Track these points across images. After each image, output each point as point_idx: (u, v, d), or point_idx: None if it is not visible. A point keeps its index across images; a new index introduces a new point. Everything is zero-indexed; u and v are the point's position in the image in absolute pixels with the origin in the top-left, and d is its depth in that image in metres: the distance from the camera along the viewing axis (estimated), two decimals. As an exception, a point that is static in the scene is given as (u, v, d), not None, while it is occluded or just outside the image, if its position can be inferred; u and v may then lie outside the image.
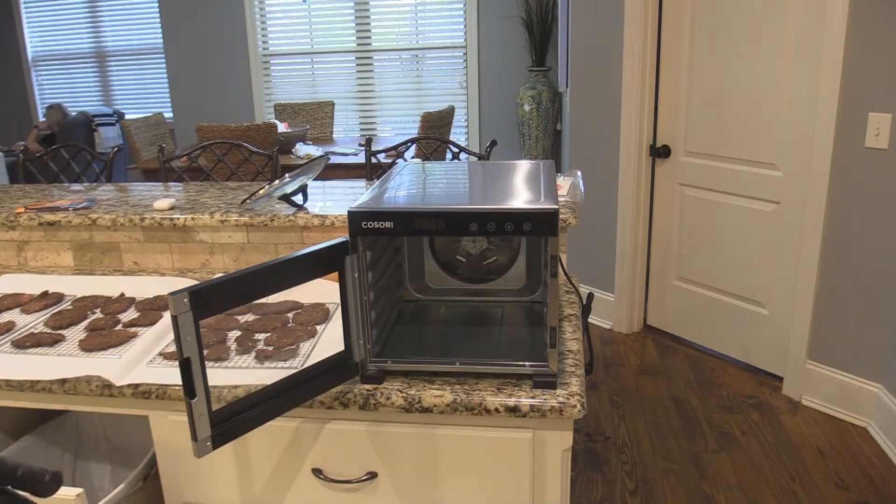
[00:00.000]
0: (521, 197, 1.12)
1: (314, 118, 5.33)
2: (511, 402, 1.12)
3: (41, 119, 6.29)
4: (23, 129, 6.44)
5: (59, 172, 2.86)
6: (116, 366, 1.26)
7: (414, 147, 4.06)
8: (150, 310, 1.52)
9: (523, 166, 1.41)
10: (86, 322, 1.48)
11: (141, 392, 1.21)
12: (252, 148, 2.80)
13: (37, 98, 6.49)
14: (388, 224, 1.08)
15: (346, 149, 4.46)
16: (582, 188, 1.76)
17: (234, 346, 1.33)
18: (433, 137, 2.90)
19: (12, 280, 1.76)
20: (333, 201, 1.90)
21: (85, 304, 1.56)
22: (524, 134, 5.31)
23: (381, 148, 3.22)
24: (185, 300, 0.91)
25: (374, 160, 3.00)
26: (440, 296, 1.45)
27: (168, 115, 6.13)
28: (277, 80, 5.92)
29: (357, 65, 5.79)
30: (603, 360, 3.17)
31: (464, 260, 1.44)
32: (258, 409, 1.03)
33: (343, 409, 1.16)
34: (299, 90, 5.91)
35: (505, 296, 1.44)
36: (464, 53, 5.62)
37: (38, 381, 1.25)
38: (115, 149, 3.00)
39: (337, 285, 1.13)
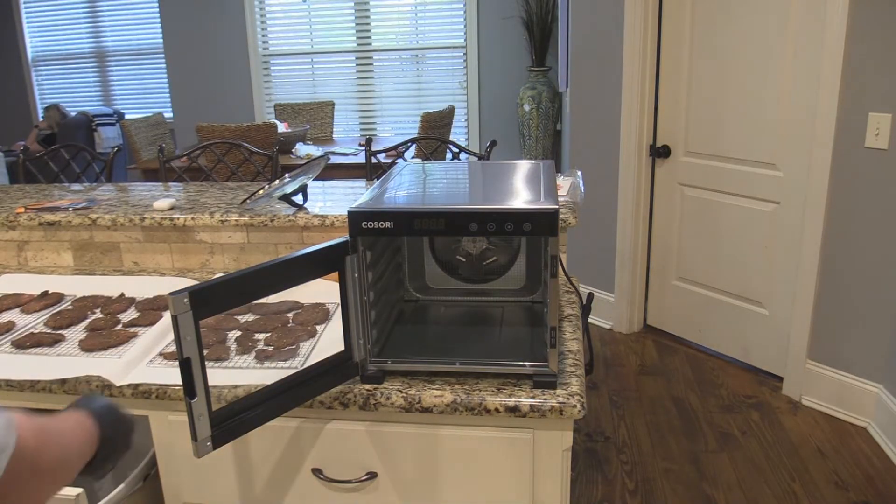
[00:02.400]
0: (521, 197, 1.12)
1: (314, 118, 5.33)
2: (511, 402, 1.12)
3: (41, 119, 6.29)
4: (23, 129, 6.44)
5: (59, 172, 2.86)
6: (116, 366, 1.26)
7: (414, 147, 4.06)
8: (150, 310, 1.52)
9: (523, 166, 1.41)
10: (86, 322, 1.48)
11: (141, 392, 1.21)
12: (252, 148, 2.80)
13: (37, 98, 6.49)
14: (388, 224, 1.08)
15: (346, 149, 4.46)
16: (582, 188, 1.76)
17: (234, 346, 1.33)
18: (433, 137, 2.90)
19: (12, 280, 1.76)
20: (333, 201, 1.90)
21: (85, 304, 1.56)
22: (524, 134, 5.31)
23: (381, 148, 3.22)
24: (185, 300, 0.91)
25: (374, 160, 2.99)
26: (440, 296, 1.45)
27: (168, 115, 6.13)
28: (277, 80, 5.92)
29: (357, 65, 5.79)
30: (603, 360, 3.17)
31: (464, 260, 1.44)
32: (258, 409, 1.03)
33: (343, 409, 1.16)
34: (299, 90, 5.91)
35: (505, 296, 1.44)
36: (464, 53, 5.62)
37: (38, 381, 1.25)
38: (115, 149, 3.00)
39: (337, 285, 1.13)
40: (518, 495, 1.18)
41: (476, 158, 2.91)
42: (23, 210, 1.90)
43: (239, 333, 1.39)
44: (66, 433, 0.76)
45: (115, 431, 0.84)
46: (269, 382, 1.07)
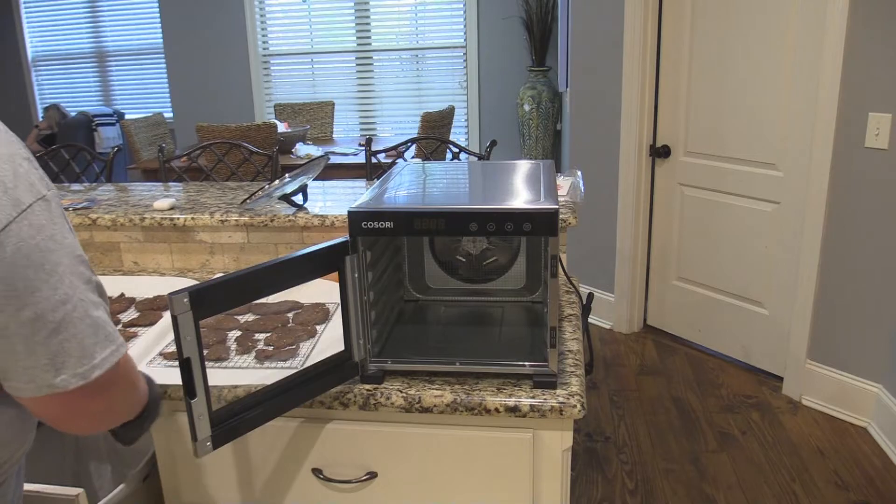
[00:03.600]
0: (521, 197, 1.12)
1: (314, 118, 5.33)
2: (511, 402, 1.12)
3: (41, 119, 6.29)
4: (23, 129, 6.43)
5: (59, 172, 2.86)
6: (116, 366, 1.26)
7: (414, 147, 4.06)
8: (150, 310, 1.52)
9: (523, 166, 1.41)
10: (86, 322, 1.47)
11: (141, 392, 1.21)
12: (252, 148, 2.80)
13: (37, 98, 6.49)
14: (388, 224, 1.08)
15: (346, 149, 4.46)
16: (582, 188, 1.76)
17: (234, 346, 1.33)
18: (433, 137, 2.90)
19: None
20: (333, 201, 1.90)
21: (85, 304, 1.56)
22: (524, 134, 5.31)
23: (381, 148, 3.22)
24: (185, 300, 0.91)
25: (374, 160, 3.00)
26: (440, 296, 1.45)
27: (168, 115, 6.12)
28: (277, 80, 5.92)
29: (357, 65, 5.79)
30: (603, 360, 3.17)
31: (464, 260, 1.44)
32: (258, 409, 1.03)
33: (343, 409, 1.16)
34: (299, 90, 5.91)
35: (505, 296, 1.44)
36: (464, 53, 5.62)
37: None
38: (115, 149, 3.00)
39: (337, 285, 1.13)
40: (518, 495, 1.18)
41: (476, 158, 2.91)
42: (23, 210, 1.89)
43: (239, 333, 1.39)
44: (139, 376, 0.92)
45: (154, 395, 0.98)
46: (269, 382, 1.07)
